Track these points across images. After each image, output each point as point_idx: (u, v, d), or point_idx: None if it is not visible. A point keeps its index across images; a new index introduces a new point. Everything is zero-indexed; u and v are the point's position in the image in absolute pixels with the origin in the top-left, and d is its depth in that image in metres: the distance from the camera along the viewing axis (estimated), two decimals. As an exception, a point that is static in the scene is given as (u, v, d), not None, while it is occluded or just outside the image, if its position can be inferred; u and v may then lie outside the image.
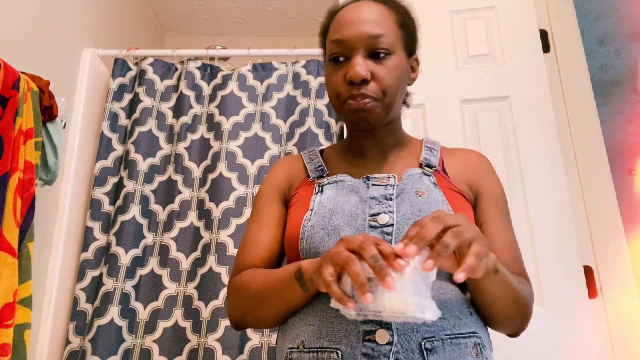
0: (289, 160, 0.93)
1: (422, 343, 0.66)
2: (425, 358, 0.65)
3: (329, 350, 0.67)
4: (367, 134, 0.85)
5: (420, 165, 0.84)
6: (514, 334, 0.80)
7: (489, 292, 0.70)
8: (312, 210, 0.78)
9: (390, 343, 0.65)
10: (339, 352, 0.66)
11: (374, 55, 0.78)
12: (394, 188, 0.77)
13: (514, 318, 0.75)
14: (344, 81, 0.78)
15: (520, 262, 0.81)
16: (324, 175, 0.85)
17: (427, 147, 0.87)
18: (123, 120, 1.80)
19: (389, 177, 0.79)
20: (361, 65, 0.77)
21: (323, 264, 0.61)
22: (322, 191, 0.81)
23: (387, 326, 0.66)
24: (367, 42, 0.78)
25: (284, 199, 0.88)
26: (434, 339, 0.66)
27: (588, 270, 1.52)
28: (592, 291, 1.49)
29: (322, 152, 0.93)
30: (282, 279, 0.72)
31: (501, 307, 0.73)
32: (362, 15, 0.80)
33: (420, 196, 0.76)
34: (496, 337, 0.81)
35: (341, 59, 0.80)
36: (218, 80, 1.84)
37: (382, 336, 0.65)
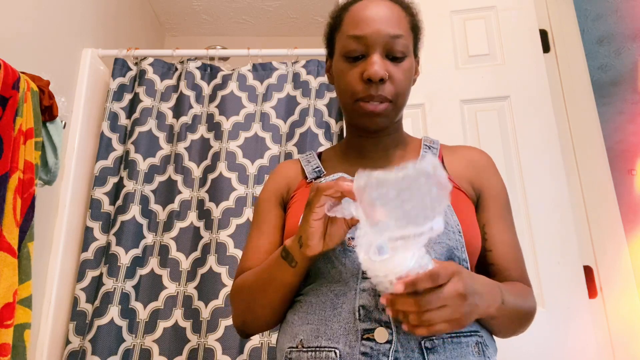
0: (286, 165, 0.93)
1: (422, 342, 0.65)
2: (426, 357, 0.64)
3: (326, 349, 0.67)
4: (369, 134, 0.85)
5: None
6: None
7: (489, 324, 0.72)
8: None
9: (389, 342, 0.64)
10: (337, 351, 0.66)
11: (391, 56, 0.78)
12: None
13: (514, 332, 0.77)
14: (360, 79, 0.77)
15: (521, 264, 0.81)
16: (321, 175, 0.85)
17: (425, 145, 0.87)
18: (123, 120, 1.80)
19: None
20: (380, 64, 0.76)
21: (305, 209, 0.66)
22: None
23: (386, 324, 0.65)
24: (386, 42, 0.77)
25: (283, 203, 0.88)
26: (434, 337, 0.66)
27: (588, 270, 1.51)
28: (592, 291, 1.49)
29: (320, 155, 0.93)
30: (271, 263, 0.73)
31: (502, 329, 0.74)
32: (381, 13, 0.78)
33: None
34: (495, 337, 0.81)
35: (358, 56, 0.79)
36: (218, 80, 1.84)
37: (381, 335, 0.65)
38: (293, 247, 0.68)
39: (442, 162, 0.85)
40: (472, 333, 0.69)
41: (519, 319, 0.74)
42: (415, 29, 0.84)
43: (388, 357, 0.64)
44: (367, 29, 0.77)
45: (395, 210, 0.54)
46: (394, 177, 0.54)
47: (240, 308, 0.79)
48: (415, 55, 0.86)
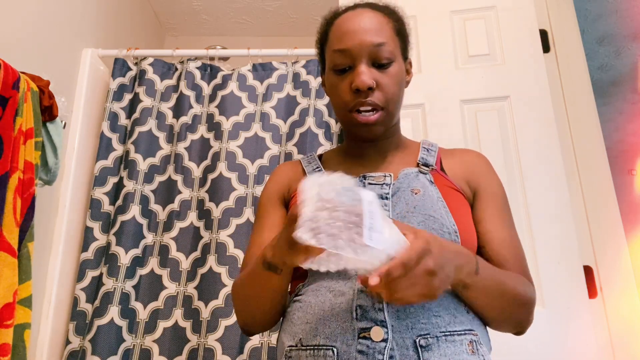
0: (286, 166, 0.95)
1: (417, 340, 0.66)
2: (420, 355, 0.65)
3: (324, 347, 0.68)
4: (367, 141, 0.87)
5: (418, 165, 0.85)
6: (517, 333, 0.80)
7: (467, 298, 0.71)
8: None
9: (385, 340, 0.66)
10: (335, 349, 0.67)
11: (377, 64, 0.80)
12: (389, 187, 0.79)
13: (507, 319, 0.75)
14: (349, 90, 0.79)
15: (521, 259, 0.80)
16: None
17: (424, 148, 0.89)
18: (123, 120, 1.80)
19: (385, 176, 0.80)
20: (366, 74, 0.78)
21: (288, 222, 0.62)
22: None
23: (382, 323, 0.67)
24: (370, 51, 0.79)
25: (284, 202, 0.89)
26: (428, 336, 0.67)
27: (588, 270, 1.51)
28: (592, 291, 1.49)
29: (320, 156, 0.95)
30: (257, 271, 0.73)
31: (487, 311, 0.73)
32: (362, 24, 0.80)
33: (415, 194, 0.77)
34: (495, 337, 0.81)
35: (345, 68, 0.81)
36: (218, 80, 1.84)
37: (377, 333, 0.66)
38: (275, 257, 0.67)
39: (441, 164, 0.86)
40: (466, 332, 0.70)
41: (501, 297, 0.71)
42: (400, 33, 0.85)
43: (383, 355, 0.65)
44: (350, 42, 0.79)
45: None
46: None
47: (239, 309, 0.81)
48: (405, 58, 0.87)
